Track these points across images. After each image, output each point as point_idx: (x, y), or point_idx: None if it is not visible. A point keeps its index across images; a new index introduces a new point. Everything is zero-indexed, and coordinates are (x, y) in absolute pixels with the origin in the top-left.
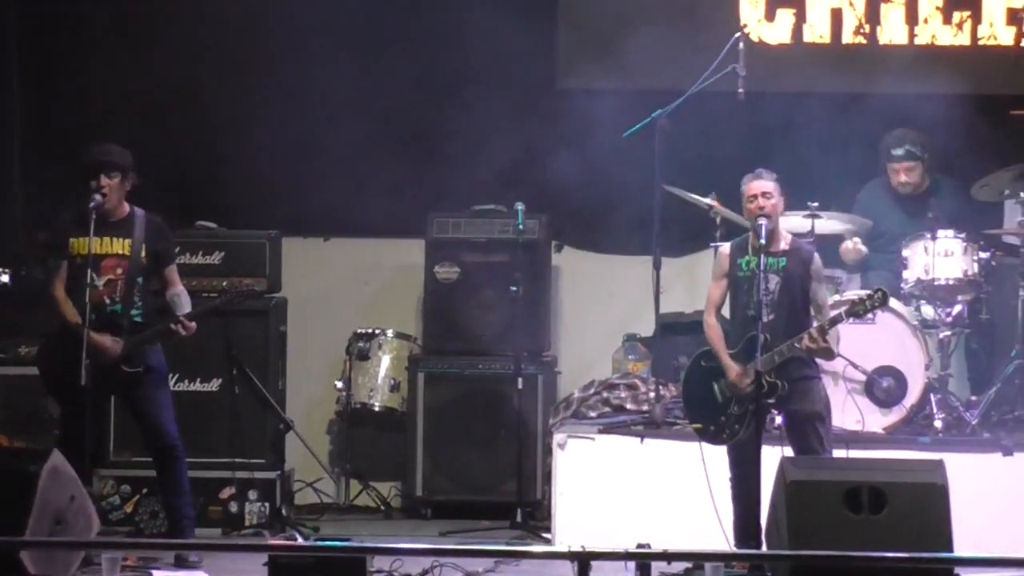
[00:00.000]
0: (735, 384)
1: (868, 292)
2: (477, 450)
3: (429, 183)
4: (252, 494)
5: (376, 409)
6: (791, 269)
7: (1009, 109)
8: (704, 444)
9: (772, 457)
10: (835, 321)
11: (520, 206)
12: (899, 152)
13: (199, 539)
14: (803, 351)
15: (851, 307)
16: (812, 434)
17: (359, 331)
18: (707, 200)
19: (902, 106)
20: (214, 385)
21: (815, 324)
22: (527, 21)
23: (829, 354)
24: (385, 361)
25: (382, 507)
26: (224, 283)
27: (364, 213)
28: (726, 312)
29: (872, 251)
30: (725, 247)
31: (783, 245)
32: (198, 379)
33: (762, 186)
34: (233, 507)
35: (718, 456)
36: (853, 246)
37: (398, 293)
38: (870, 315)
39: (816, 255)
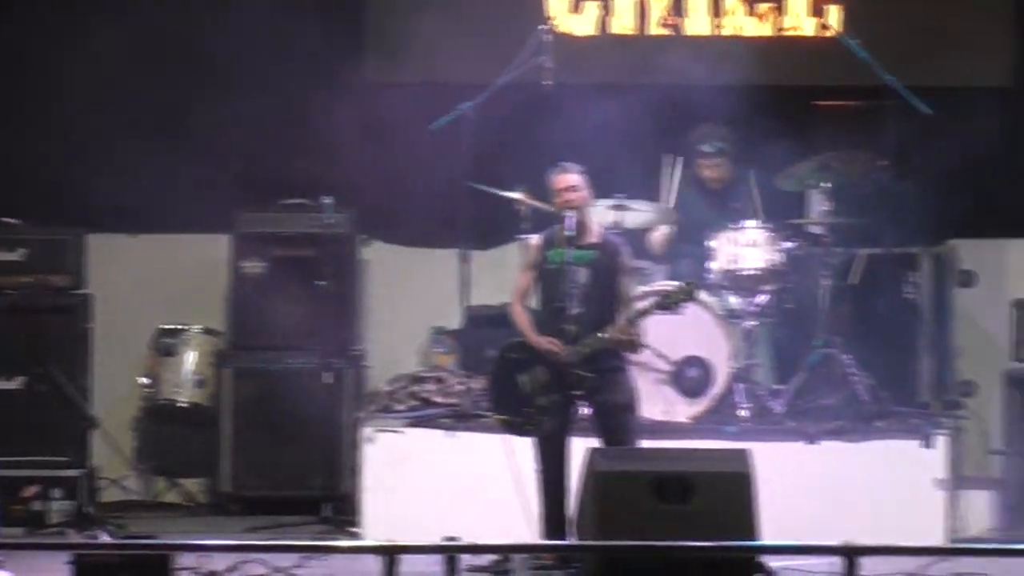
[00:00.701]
0: (551, 351)
1: (678, 284)
2: (285, 445)
3: (236, 178)
4: (56, 492)
5: (182, 405)
6: (600, 261)
7: (813, 100)
8: (512, 436)
9: (580, 448)
10: (644, 313)
11: (328, 200)
12: (707, 149)
13: (1, 539)
14: (611, 343)
15: (661, 299)
16: (619, 425)
17: (164, 327)
18: (514, 194)
19: (708, 97)
20: (17, 383)
21: (623, 316)
22: (333, 14)
23: (636, 346)
24: (191, 357)
25: (189, 504)
26: (27, 280)
27: (172, 209)
28: (535, 305)
29: (679, 242)
30: (535, 239)
31: (592, 238)
32: (0, 376)
33: (568, 179)
34: (36, 505)
35: (527, 448)
36: (660, 236)
37: (205, 289)
38: (679, 308)
39: (626, 248)
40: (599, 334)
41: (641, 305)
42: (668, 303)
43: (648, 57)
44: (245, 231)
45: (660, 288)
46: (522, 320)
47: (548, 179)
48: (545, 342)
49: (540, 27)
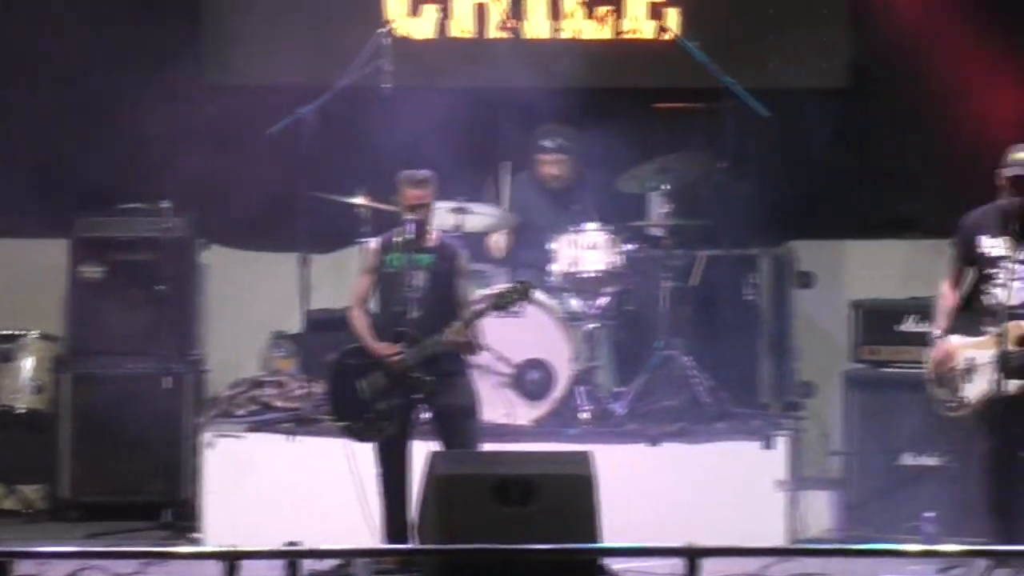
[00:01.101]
0: (388, 357)
1: (511, 285)
2: (125, 451)
3: (73, 182)
4: None
5: (20, 411)
6: (438, 265)
7: (652, 102)
8: (352, 441)
9: (421, 452)
10: (479, 315)
11: (166, 204)
12: (548, 144)
13: None
14: (449, 346)
15: (495, 300)
16: (460, 428)
17: (1, 333)
18: (354, 199)
19: (548, 100)
20: None
21: (461, 319)
22: (170, 16)
23: (474, 349)
24: (29, 363)
25: (28, 510)
26: None
27: (7, 214)
28: (374, 309)
29: (520, 245)
30: (373, 242)
31: (431, 241)
32: None
33: (420, 194)
34: None
35: (367, 452)
36: (499, 239)
37: (43, 294)
38: (515, 308)
39: (463, 251)
40: (437, 337)
41: (477, 307)
42: (503, 303)
43: (488, 60)
44: (83, 235)
45: (497, 290)
46: (360, 325)
47: (397, 182)
48: (383, 348)
49: (379, 30)
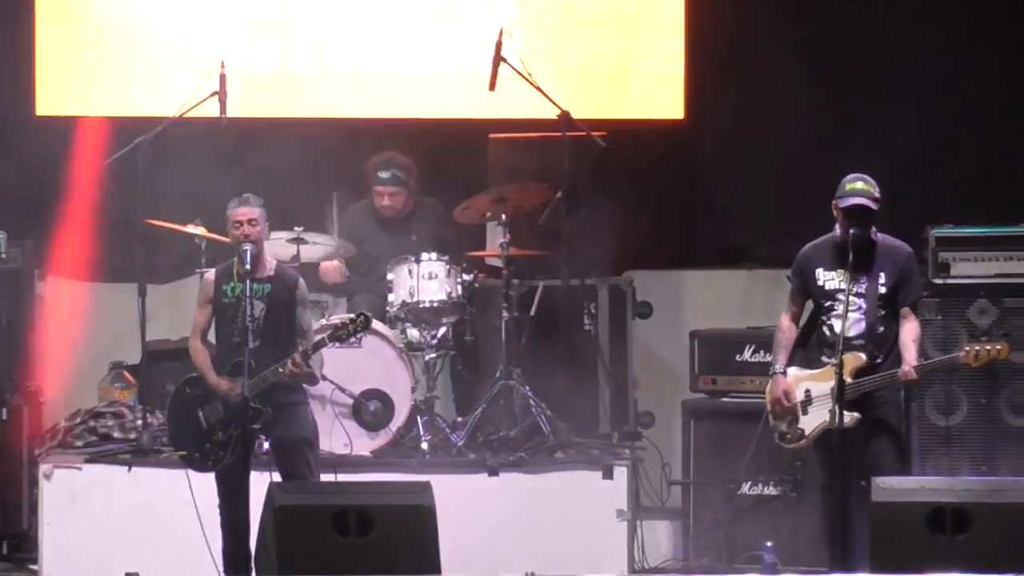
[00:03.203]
0: (228, 394)
1: (351, 316)
2: None
3: None
4: None
5: None
6: (276, 295)
7: (489, 133)
8: (191, 472)
9: (262, 483)
10: (318, 346)
11: (1, 234)
12: (384, 176)
13: None
14: (287, 376)
15: (334, 331)
16: (300, 459)
17: None
18: (190, 228)
19: (385, 131)
20: None
21: (299, 349)
22: (3, 46)
23: (312, 379)
24: None
25: None
26: None
27: None
28: (213, 338)
29: (357, 275)
30: (210, 273)
31: (268, 271)
32: None
33: (248, 212)
34: None
35: (207, 483)
36: (333, 267)
37: None
38: (354, 339)
39: (300, 280)
40: (276, 367)
41: (316, 338)
42: (341, 335)
43: (326, 92)
44: None
45: (335, 320)
46: (200, 358)
47: (228, 211)
48: (221, 383)
49: (217, 61)
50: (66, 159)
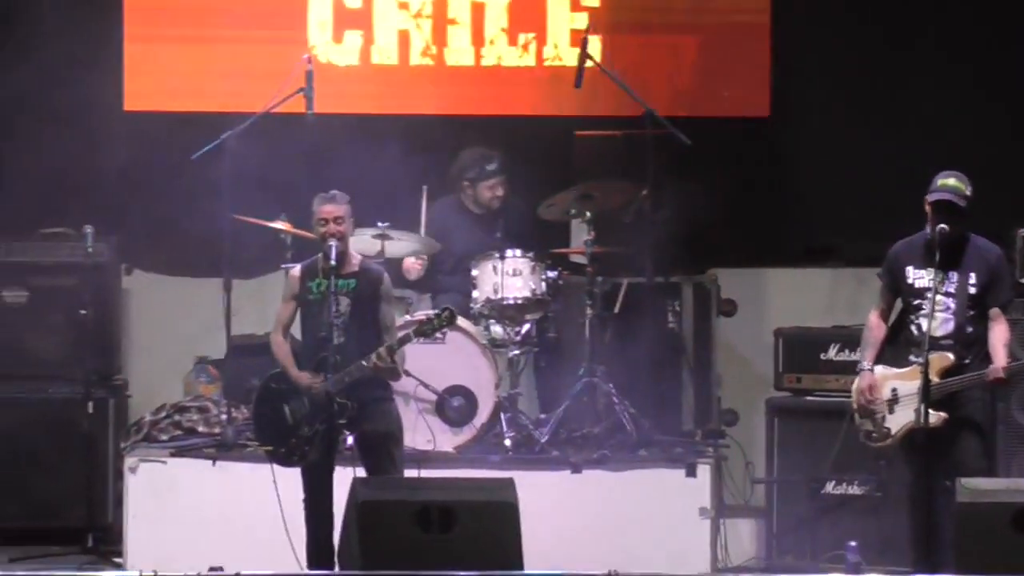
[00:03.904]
0: (309, 388)
1: (436, 312)
2: (47, 476)
3: None
4: None
5: None
6: (361, 290)
7: (574, 130)
8: (276, 466)
9: (345, 478)
10: (403, 341)
11: (89, 229)
12: (492, 167)
13: None
14: (372, 371)
15: (419, 327)
16: (384, 455)
17: None
18: (276, 224)
19: (471, 127)
20: None
21: (384, 344)
22: (91, 41)
23: (396, 374)
24: None
25: None
26: None
27: None
28: (297, 333)
29: (442, 272)
30: (295, 269)
31: (352, 266)
32: None
33: (335, 210)
34: None
35: (291, 478)
36: (415, 263)
37: None
38: (439, 334)
39: (385, 276)
40: (361, 363)
41: (400, 333)
42: (426, 330)
43: (410, 87)
44: (5, 260)
45: (420, 316)
46: (282, 352)
47: (314, 207)
48: (303, 378)
49: (302, 57)
50: (154, 154)
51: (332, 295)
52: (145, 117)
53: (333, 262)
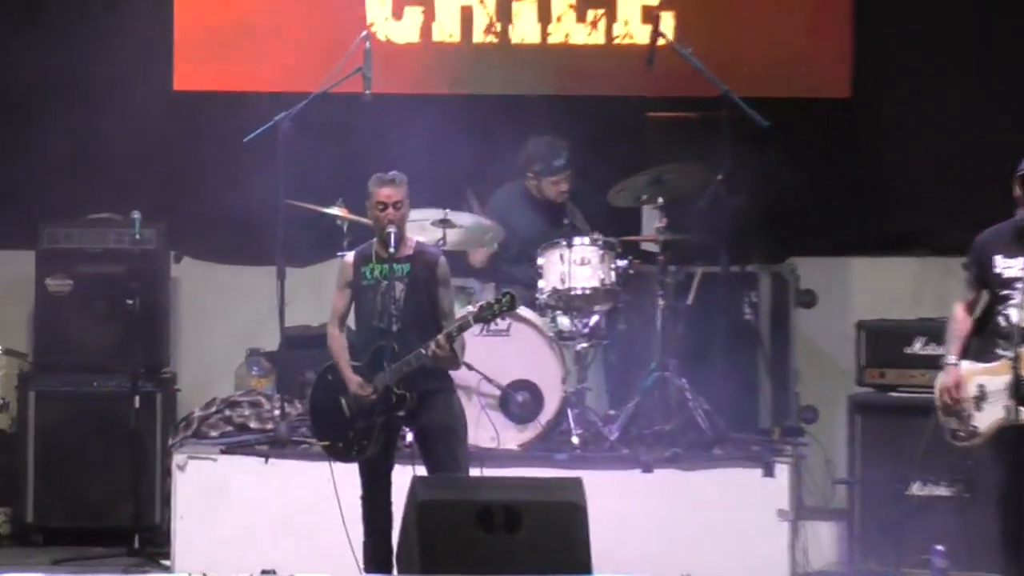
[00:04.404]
0: (357, 396)
1: (496, 296)
2: (92, 473)
3: (39, 192)
4: None
5: None
6: (416, 275)
7: (645, 111)
8: (335, 463)
9: (405, 476)
10: (462, 327)
11: (136, 215)
12: (560, 163)
13: None
14: (431, 360)
15: (478, 312)
16: (445, 450)
17: None
18: (333, 210)
19: (535, 108)
20: None
21: (443, 331)
22: (141, 22)
23: (456, 362)
24: None
25: None
26: None
27: None
28: (352, 323)
29: (507, 261)
30: (349, 256)
31: (407, 250)
32: None
33: (393, 193)
34: None
35: (349, 475)
36: (482, 253)
37: (8, 308)
38: (501, 325)
39: (442, 258)
40: (420, 350)
41: (459, 318)
42: (486, 315)
43: (473, 66)
44: (50, 247)
45: (481, 302)
46: (337, 346)
47: (370, 188)
48: (355, 383)
49: (360, 35)
50: (204, 137)
51: (389, 282)
52: (195, 97)
53: (392, 250)
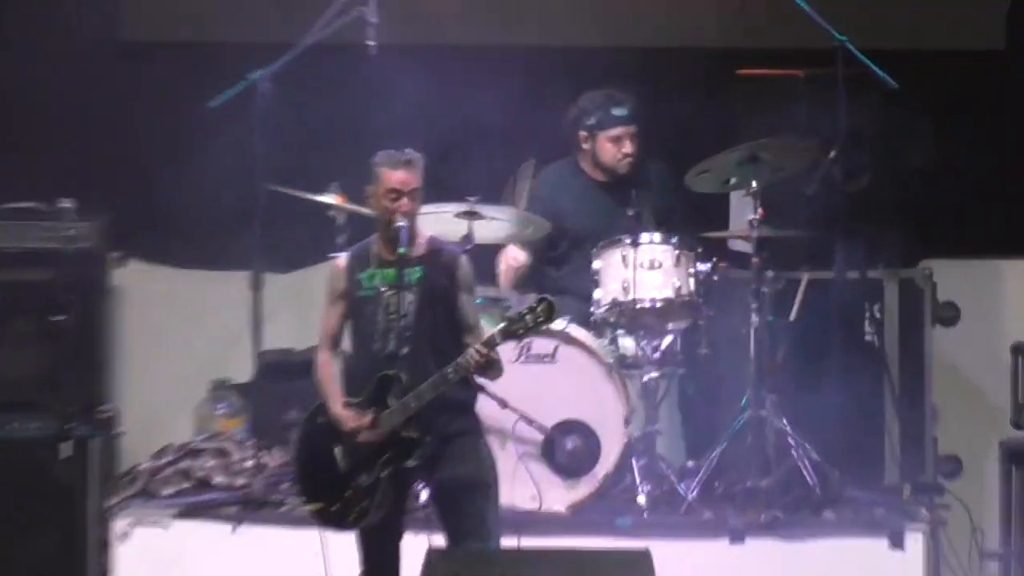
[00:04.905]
0: (351, 435)
1: (529, 305)
2: (11, 539)
3: None
4: None
5: None
6: (430, 280)
7: (736, 67)
8: (326, 531)
9: (418, 547)
10: (489, 344)
11: (68, 204)
12: (621, 112)
13: None
14: (459, 377)
15: (507, 325)
16: (471, 511)
17: None
18: (325, 197)
19: (591, 63)
20: None
21: (473, 345)
22: None
23: (498, 368)
24: None
25: None
26: None
27: None
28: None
29: (553, 264)
30: (341, 259)
31: (418, 249)
32: None
33: (408, 179)
34: None
35: (346, 547)
36: (518, 255)
37: None
38: (537, 340)
39: (462, 257)
40: (447, 371)
41: (487, 334)
42: (515, 329)
43: (507, 9)
44: None
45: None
46: (325, 374)
47: (377, 171)
48: (347, 418)
49: None
50: (158, 100)
51: (391, 290)
52: (147, 47)
53: (403, 249)
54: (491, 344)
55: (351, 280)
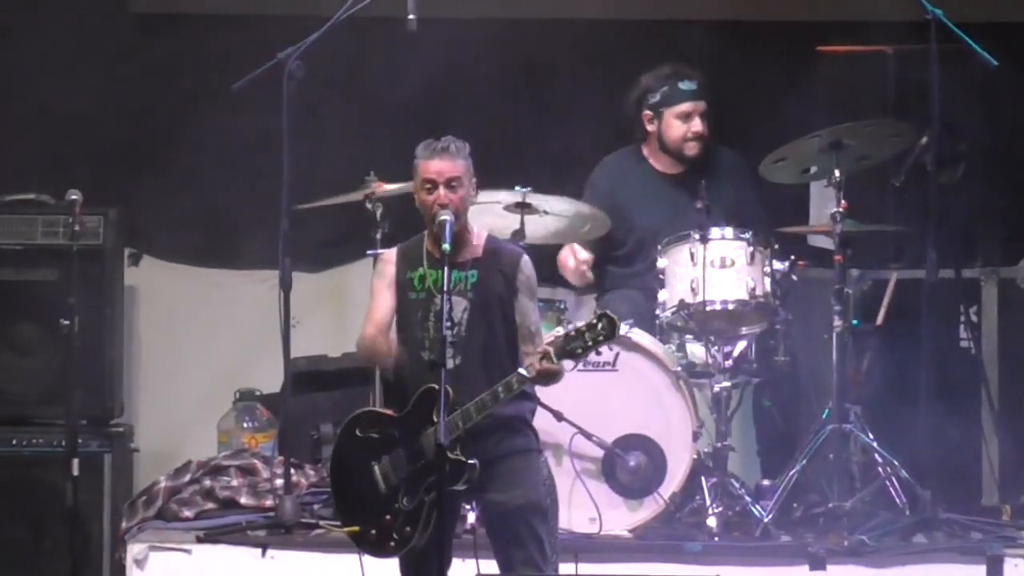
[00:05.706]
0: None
1: (588, 322)
2: (14, 568)
3: None
4: None
5: None
6: (486, 284)
7: (815, 44)
8: (365, 556)
9: (467, 573)
10: (545, 361)
11: (75, 196)
12: (688, 87)
13: None
14: (522, 386)
15: (563, 343)
16: (526, 536)
17: None
18: (361, 191)
19: (655, 39)
20: None
21: (535, 354)
22: None
23: (559, 374)
24: None
25: None
26: None
27: None
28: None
29: (614, 262)
30: (390, 252)
31: (473, 250)
32: None
33: (448, 167)
34: None
35: (387, 574)
36: (573, 255)
37: None
38: (600, 355)
39: (524, 258)
40: (512, 379)
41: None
42: (574, 348)
43: None
44: None
45: (568, 329)
46: (380, 348)
47: (416, 162)
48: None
49: None
50: (174, 81)
51: (446, 296)
52: (162, 23)
53: (447, 245)
54: (547, 362)
55: (401, 277)
